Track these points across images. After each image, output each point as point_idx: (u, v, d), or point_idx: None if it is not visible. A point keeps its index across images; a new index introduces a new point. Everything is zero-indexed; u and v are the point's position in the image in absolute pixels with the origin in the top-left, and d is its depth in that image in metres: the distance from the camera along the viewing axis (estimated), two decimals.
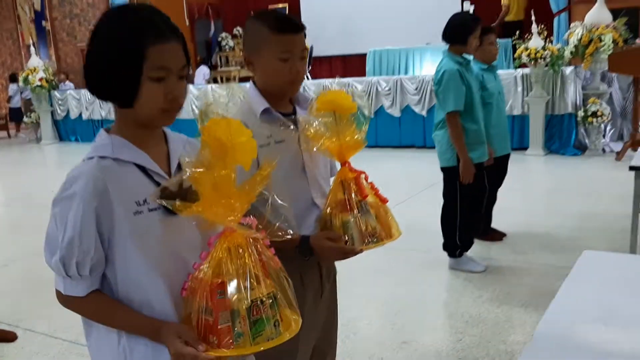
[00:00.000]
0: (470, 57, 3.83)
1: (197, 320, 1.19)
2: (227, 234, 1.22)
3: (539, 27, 7.44)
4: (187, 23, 14.73)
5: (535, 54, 7.26)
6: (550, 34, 8.24)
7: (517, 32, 7.84)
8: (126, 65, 1.15)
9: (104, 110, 11.31)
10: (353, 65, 12.75)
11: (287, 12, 13.89)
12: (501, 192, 4.54)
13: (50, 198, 1.21)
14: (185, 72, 1.23)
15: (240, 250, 1.21)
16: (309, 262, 1.74)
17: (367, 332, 3.20)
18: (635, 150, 7.13)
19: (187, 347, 1.15)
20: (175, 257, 1.25)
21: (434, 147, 3.88)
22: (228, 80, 13.58)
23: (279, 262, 1.27)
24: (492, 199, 4.43)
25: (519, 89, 7.78)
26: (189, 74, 1.28)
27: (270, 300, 1.22)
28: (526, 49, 7.35)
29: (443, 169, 3.84)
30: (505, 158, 4.40)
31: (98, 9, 13.61)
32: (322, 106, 1.69)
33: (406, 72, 10.23)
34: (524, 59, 7.38)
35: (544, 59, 7.29)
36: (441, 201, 3.90)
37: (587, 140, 7.53)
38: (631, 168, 3.19)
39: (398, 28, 11.22)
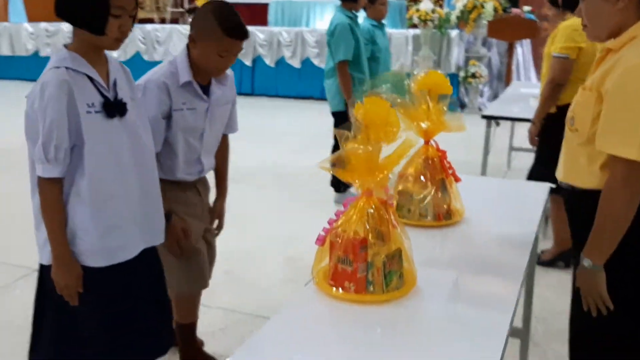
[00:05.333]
0: (359, 14, 4.27)
1: (336, 268, 1.43)
2: (366, 197, 1.43)
3: None
4: None
5: (425, 16, 7.85)
6: None
7: None
8: (99, 6, 1.53)
9: None
10: (257, 13, 12.83)
11: None
12: None
13: None
14: (135, 12, 1.61)
15: (376, 212, 1.42)
16: (189, 186, 2.16)
17: (263, 256, 3.65)
18: None
19: (74, 290, 1.61)
20: (114, 152, 1.63)
21: None
22: None
23: (398, 224, 1.48)
24: None
25: (409, 48, 8.40)
26: (136, 15, 1.67)
27: (397, 256, 1.44)
28: (417, 10, 7.93)
29: (333, 114, 4.31)
30: None
31: None
32: (420, 85, 1.82)
33: (308, 25, 10.55)
34: (415, 20, 7.96)
35: (433, 21, 7.90)
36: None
37: (466, 99, 8.32)
38: (483, 117, 3.77)
39: None
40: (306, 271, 1.51)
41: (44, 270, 1.68)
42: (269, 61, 9.27)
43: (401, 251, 1.45)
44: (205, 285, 2.25)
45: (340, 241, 1.42)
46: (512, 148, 5.42)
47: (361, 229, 1.41)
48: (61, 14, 1.59)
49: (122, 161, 1.65)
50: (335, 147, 4.35)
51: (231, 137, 2.32)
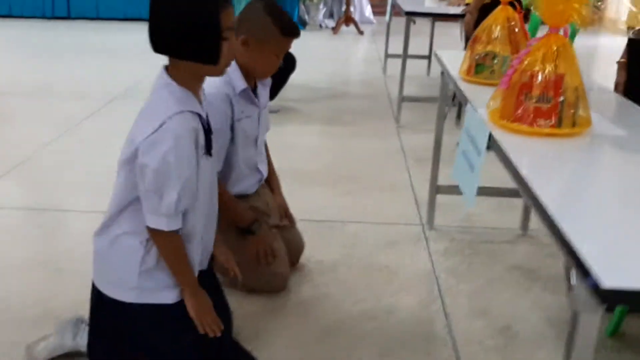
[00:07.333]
0: None
1: (527, 107, 1.45)
2: (554, 35, 1.45)
3: None
4: None
5: None
6: None
7: None
8: (211, 32, 1.27)
9: None
10: None
11: None
12: None
13: None
14: None
15: (563, 49, 1.45)
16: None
17: None
18: (348, 25, 8.29)
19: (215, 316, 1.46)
20: (208, 193, 1.46)
21: None
22: None
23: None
24: None
25: None
26: None
27: (581, 91, 1.48)
28: None
29: None
30: None
31: None
32: None
33: None
34: None
35: None
36: None
37: (307, 17, 8.40)
38: (407, 13, 3.92)
39: None
40: None
41: (161, 311, 1.45)
42: None
43: (582, 88, 1.52)
44: (283, 286, 2.11)
45: (536, 80, 1.46)
46: (387, 55, 5.71)
47: (551, 66, 1.45)
48: (164, 49, 1.31)
49: (208, 200, 1.48)
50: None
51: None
